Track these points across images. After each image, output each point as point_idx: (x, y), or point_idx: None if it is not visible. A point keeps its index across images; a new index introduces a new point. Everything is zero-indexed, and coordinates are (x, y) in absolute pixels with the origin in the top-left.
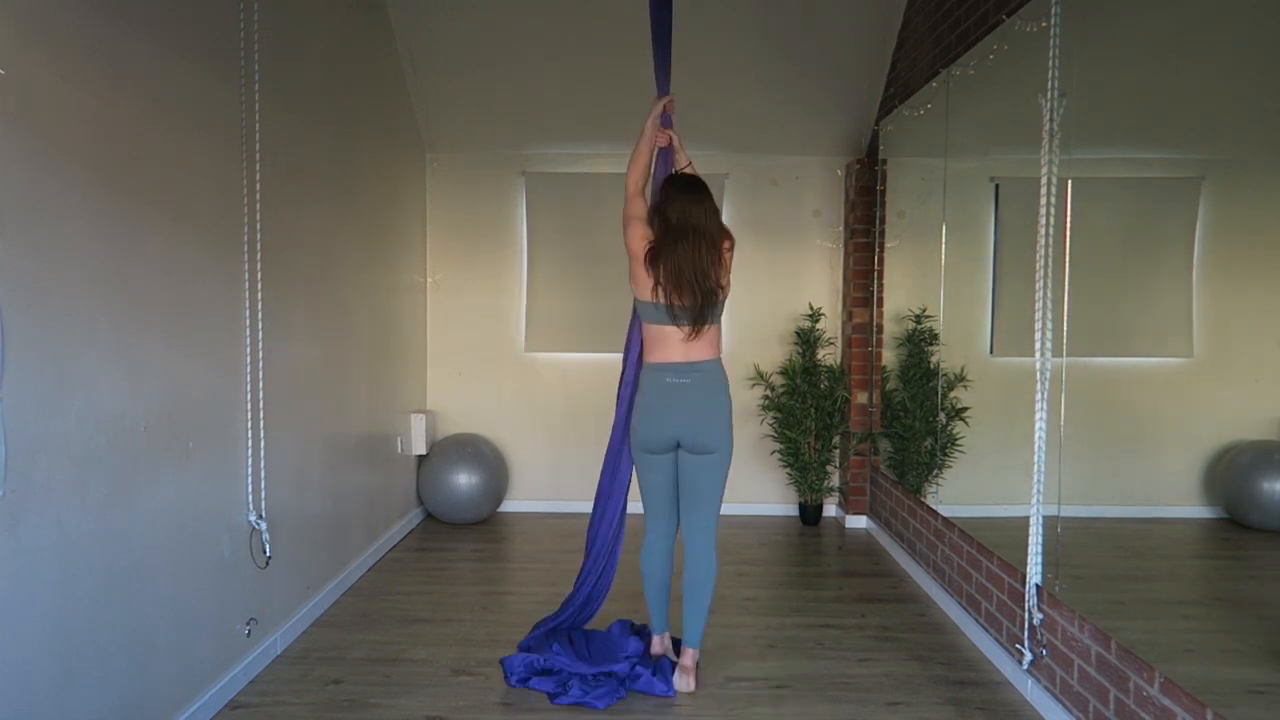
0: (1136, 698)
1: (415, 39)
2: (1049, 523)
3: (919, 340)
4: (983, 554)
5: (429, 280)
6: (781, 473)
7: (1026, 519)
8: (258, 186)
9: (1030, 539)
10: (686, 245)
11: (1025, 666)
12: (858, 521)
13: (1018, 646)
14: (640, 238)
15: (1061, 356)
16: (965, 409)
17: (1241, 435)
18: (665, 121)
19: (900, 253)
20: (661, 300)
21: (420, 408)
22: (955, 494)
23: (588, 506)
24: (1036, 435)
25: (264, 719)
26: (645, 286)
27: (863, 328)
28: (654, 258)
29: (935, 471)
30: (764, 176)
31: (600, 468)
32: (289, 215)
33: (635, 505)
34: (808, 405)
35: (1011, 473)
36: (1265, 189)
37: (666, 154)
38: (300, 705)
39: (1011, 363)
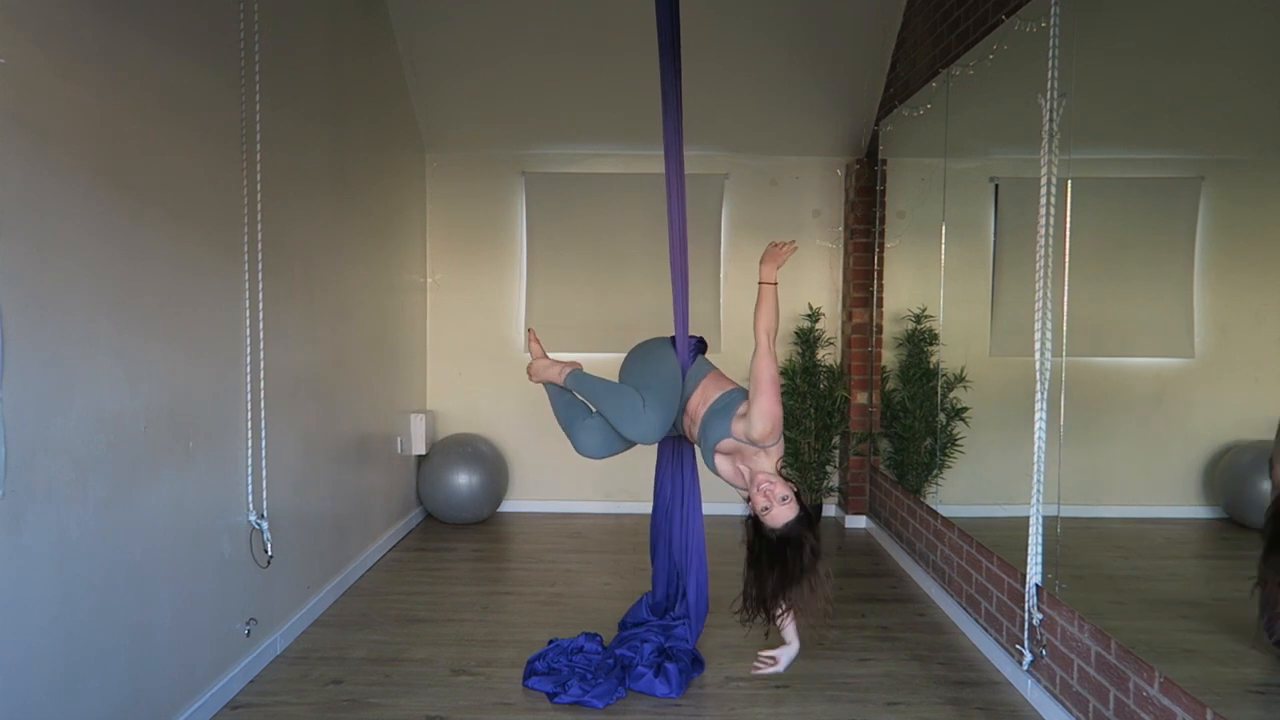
0: (1136, 698)
1: (415, 39)
2: (1049, 523)
3: (919, 340)
4: (982, 554)
5: (429, 280)
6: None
7: (1026, 519)
8: (258, 186)
9: (1030, 539)
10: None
11: (1025, 666)
12: (857, 521)
13: (1018, 646)
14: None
15: (1061, 356)
16: (965, 409)
17: (1241, 435)
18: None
19: (900, 253)
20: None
21: (420, 408)
22: (955, 494)
23: (587, 506)
24: (1036, 435)
25: (264, 719)
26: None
27: (862, 328)
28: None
29: (935, 471)
30: (764, 176)
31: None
32: (289, 215)
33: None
34: (807, 405)
35: (1011, 473)
36: (1265, 189)
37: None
38: (300, 705)
39: (1011, 363)
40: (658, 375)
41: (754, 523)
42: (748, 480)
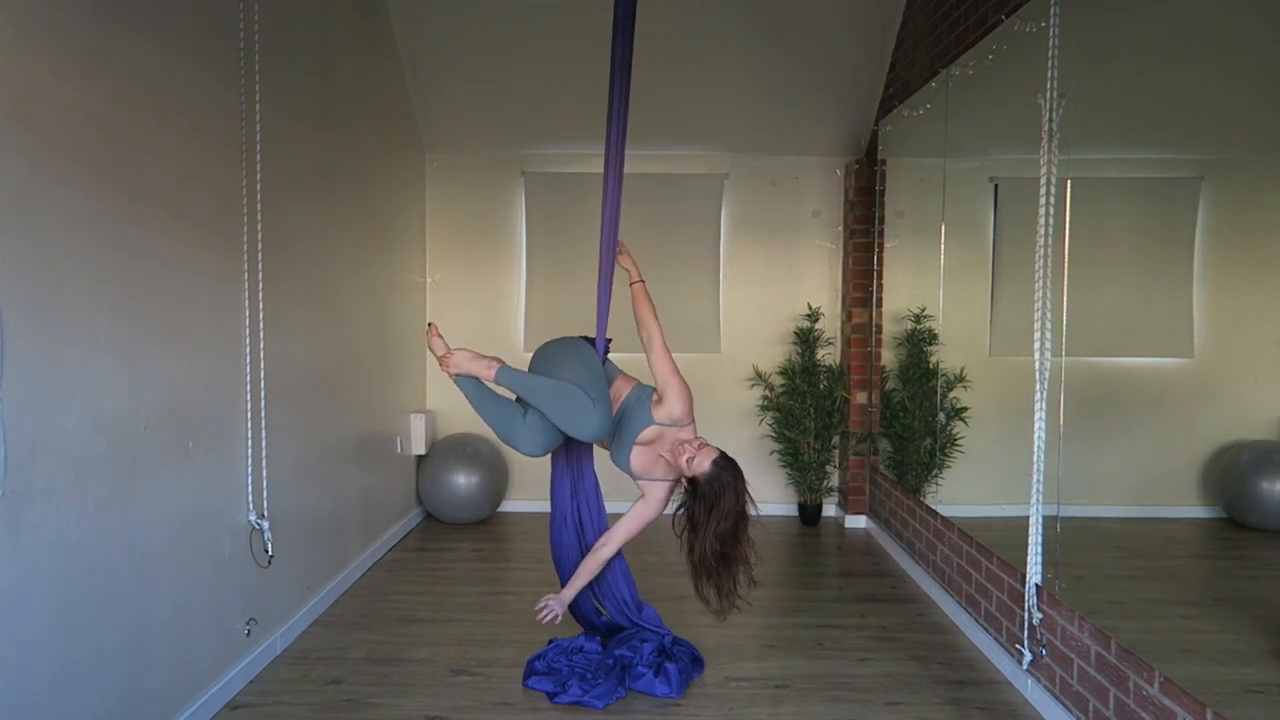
0: (1136, 697)
1: (415, 40)
2: (1049, 522)
3: (918, 340)
4: (982, 554)
5: (429, 280)
6: (781, 473)
7: (1026, 519)
8: (258, 186)
9: (1030, 539)
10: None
11: (1025, 666)
12: (857, 521)
13: (1017, 646)
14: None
15: (1061, 356)
16: (965, 409)
17: (1241, 435)
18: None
19: (900, 253)
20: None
21: (420, 408)
22: (955, 494)
23: None
24: (1036, 435)
25: (263, 719)
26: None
27: (862, 328)
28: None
29: (935, 471)
30: (763, 176)
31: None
32: (289, 215)
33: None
34: (807, 405)
35: (1011, 473)
36: (1265, 189)
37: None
38: (300, 705)
39: (1011, 362)
40: (590, 372)
41: (691, 485)
42: (670, 454)
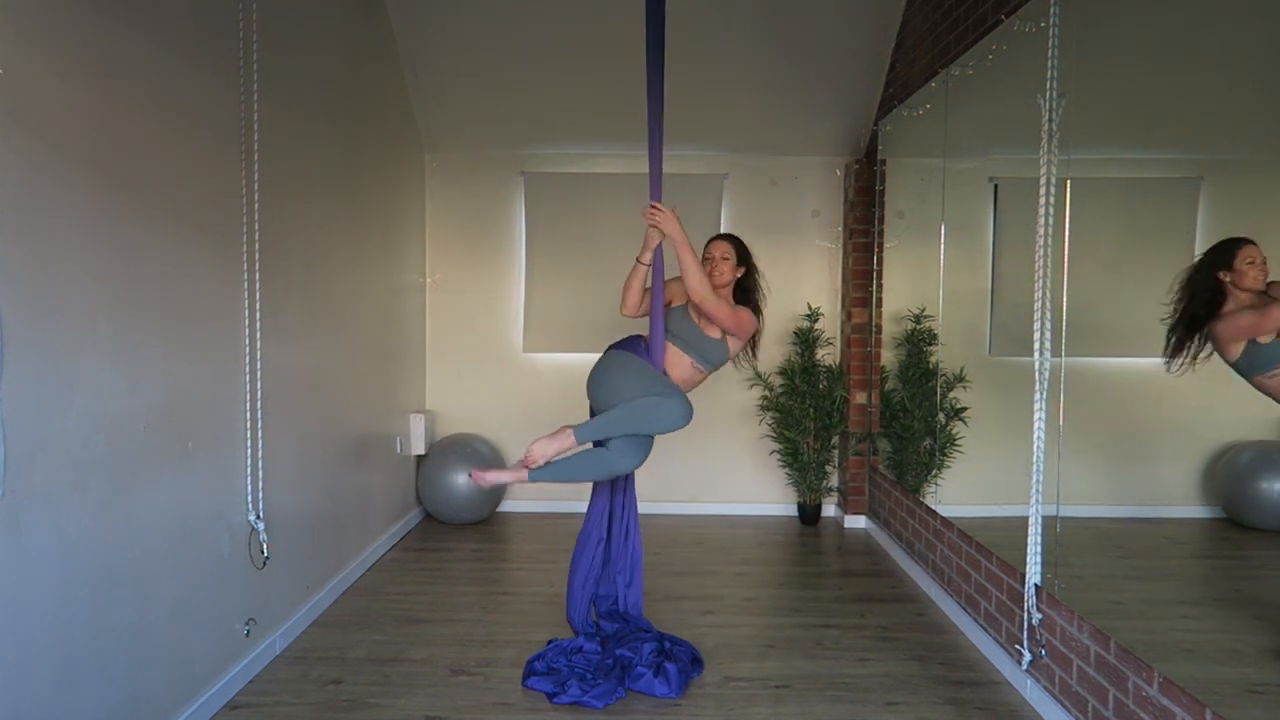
0: (1136, 698)
1: (415, 39)
2: (1048, 523)
3: (918, 340)
4: (982, 554)
5: (429, 280)
6: (780, 473)
7: (1025, 519)
8: (256, 187)
9: (1029, 539)
10: None
11: (1024, 666)
12: (857, 521)
13: (1017, 646)
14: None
15: (1060, 356)
16: (964, 409)
17: (1241, 435)
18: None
19: (899, 253)
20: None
21: (419, 408)
22: (954, 494)
23: (586, 507)
24: (1035, 435)
25: (263, 719)
26: (738, 346)
27: (862, 328)
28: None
29: (934, 471)
30: (763, 176)
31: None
32: (288, 215)
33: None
34: (806, 405)
35: (1011, 473)
36: (1265, 189)
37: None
38: (299, 705)
39: (1011, 362)
40: (645, 376)
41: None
42: (719, 290)
